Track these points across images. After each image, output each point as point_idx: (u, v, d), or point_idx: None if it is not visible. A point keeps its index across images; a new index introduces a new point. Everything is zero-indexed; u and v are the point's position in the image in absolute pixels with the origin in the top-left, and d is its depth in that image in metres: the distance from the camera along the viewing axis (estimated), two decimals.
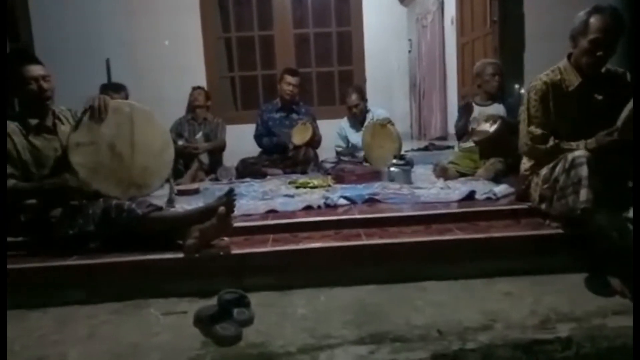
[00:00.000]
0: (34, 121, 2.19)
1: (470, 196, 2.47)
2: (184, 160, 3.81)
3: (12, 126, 2.13)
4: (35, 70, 2.13)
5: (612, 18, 1.96)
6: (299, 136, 3.92)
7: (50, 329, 1.72)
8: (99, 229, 2.03)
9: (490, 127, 3.04)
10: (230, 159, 4.17)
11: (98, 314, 1.81)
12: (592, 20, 1.98)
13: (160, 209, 2.13)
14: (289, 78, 4.09)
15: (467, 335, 1.55)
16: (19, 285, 1.91)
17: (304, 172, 3.78)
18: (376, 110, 4.04)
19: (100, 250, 2.03)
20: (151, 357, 1.49)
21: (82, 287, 1.92)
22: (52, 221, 2.09)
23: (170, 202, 2.58)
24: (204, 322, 1.64)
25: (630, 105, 1.93)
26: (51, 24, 3.86)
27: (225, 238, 2.07)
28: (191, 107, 4.28)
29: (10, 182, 2.05)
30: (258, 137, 4.19)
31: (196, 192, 3.18)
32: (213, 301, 1.72)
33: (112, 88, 3.55)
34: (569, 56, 2.15)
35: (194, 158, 3.90)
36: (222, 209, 1.94)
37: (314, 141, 3.96)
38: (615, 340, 1.52)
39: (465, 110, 3.32)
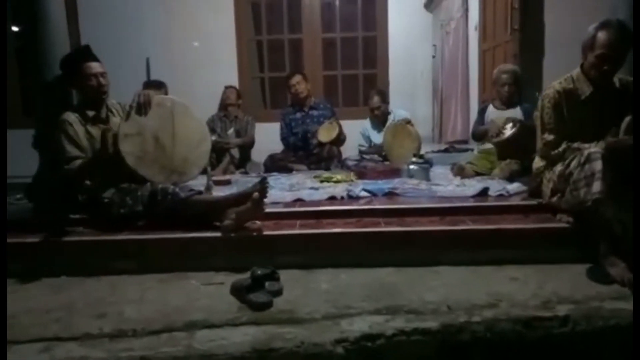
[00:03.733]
0: (91, 113, 2.46)
1: (483, 192, 2.64)
2: (216, 154, 4.05)
3: (73, 117, 2.40)
4: (96, 67, 2.40)
5: (618, 33, 2.08)
6: (325, 134, 4.14)
7: (106, 292, 1.97)
8: (147, 209, 2.29)
9: (509, 130, 3.20)
10: (259, 154, 4.41)
11: (146, 282, 2.06)
12: (599, 35, 2.11)
13: (200, 193, 2.37)
14: (290, 81, 4.36)
15: (474, 311, 1.72)
16: (77, 256, 2.18)
17: (327, 168, 3.99)
18: (397, 111, 4.23)
19: (147, 227, 2.28)
20: (195, 316, 1.71)
21: (131, 258, 2.16)
22: (105, 201, 2.35)
23: (208, 189, 2.82)
24: (239, 291, 1.86)
25: (630, 115, 2.08)
26: (97, 24, 4.17)
27: (257, 222, 2.30)
28: (223, 105, 4.54)
29: (77, 162, 2.32)
30: (285, 140, 4.43)
31: (228, 182, 3.43)
32: (246, 276, 1.94)
33: (154, 85, 3.81)
34: (582, 65, 2.29)
35: (226, 152, 4.16)
36: (256, 194, 2.17)
37: (339, 139, 4.17)
38: (609, 320, 1.67)
39: (482, 113, 3.48)
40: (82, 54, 2.46)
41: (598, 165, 1.94)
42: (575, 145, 2.18)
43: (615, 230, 1.94)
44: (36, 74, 2.51)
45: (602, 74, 2.19)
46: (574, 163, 2.07)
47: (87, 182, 2.39)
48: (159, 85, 3.82)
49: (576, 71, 2.30)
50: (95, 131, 2.47)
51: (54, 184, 2.44)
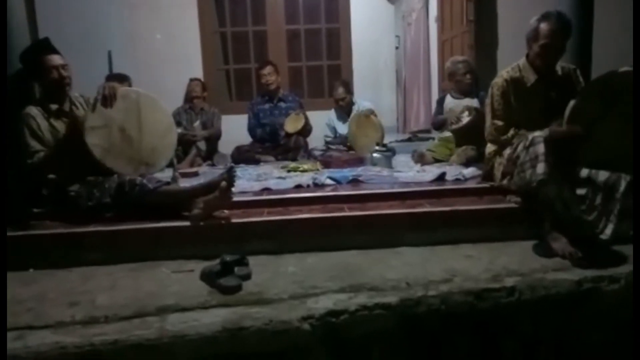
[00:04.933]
0: (54, 106, 2.46)
1: (441, 177, 2.79)
2: (182, 147, 4.06)
3: (35, 110, 2.40)
4: (56, 59, 2.39)
5: (558, 24, 2.26)
6: (291, 125, 4.22)
7: (77, 282, 2.00)
8: (114, 201, 2.31)
9: (465, 118, 3.36)
10: (225, 146, 4.44)
11: (116, 272, 2.09)
12: (541, 26, 2.28)
13: (168, 183, 2.41)
14: (262, 70, 4.42)
15: (430, 286, 1.84)
16: (46, 249, 2.20)
17: (294, 159, 4.07)
18: (361, 102, 4.35)
19: (116, 219, 2.31)
20: (167, 301, 1.77)
21: (101, 250, 2.18)
22: (72, 194, 2.36)
23: (174, 180, 2.85)
24: (209, 276, 1.92)
25: (573, 101, 2.25)
26: (56, 17, 4.07)
27: (226, 211, 2.36)
28: (189, 98, 4.54)
29: (41, 154, 2.32)
30: (252, 130, 4.48)
31: (195, 174, 3.46)
32: (216, 262, 2.01)
33: (117, 78, 3.78)
34: (527, 55, 2.46)
35: (192, 145, 4.18)
36: (223, 183, 2.23)
37: (305, 130, 4.26)
38: (551, 289, 1.84)
39: (441, 103, 3.64)
40: (42, 46, 2.44)
41: (541, 148, 2.10)
42: (522, 132, 2.35)
43: (558, 208, 2.11)
44: None
45: (546, 62, 2.37)
46: (520, 147, 2.23)
47: (51, 176, 2.39)
48: (122, 78, 3.80)
49: (522, 60, 2.47)
50: (59, 125, 2.46)
51: (17, 178, 2.43)
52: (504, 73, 2.46)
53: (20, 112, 2.37)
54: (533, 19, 2.33)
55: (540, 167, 2.08)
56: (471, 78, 3.56)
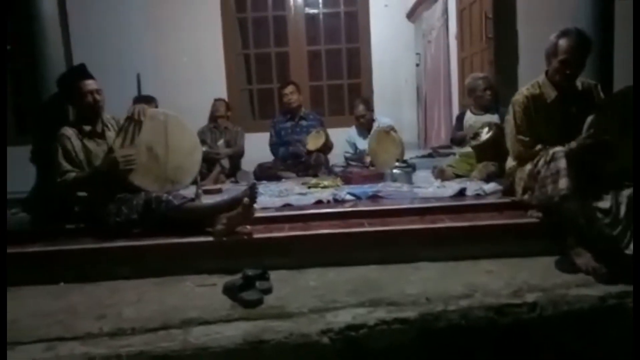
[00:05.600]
0: (87, 127, 2.58)
1: (461, 193, 2.79)
2: (206, 164, 4.15)
3: (70, 131, 2.52)
4: (91, 84, 2.52)
5: (578, 40, 2.27)
6: (312, 143, 4.30)
7: (105, 296, 2.08)
8: (142, 217, 2.40)
9: (485, 134, 3.36)
10: (248, 163, 4.53)
11: (142, 286, 2.16)
12: (561, 42, 2.29)
13: (192, 200, 2.49)
14: (284, 90, 4.52)
15: (450, 301, 1.85)
16: (76, 263, 2.29)
17: (315, 175, 4.12)
18: (381, 119, 4.39)
19: (143, 235, 2.39)
20: (191, 314, 1.82)
21: (128, 264, 2.26)
22: (101, 211, 2.46)
23: (197, 197, 2.93)
24: (231, 290, 1.98)
25: (592, 115, 2.24)
26: (88, 42, 4.29)
27: (248, 226, 2.41)
28: (213, 117, 4.67)
29: (71, 175, 2.43)
30: (273, 147, 4.57)
31: (219, 191, 3.54)
32: (238, 277, 2.06)
33: (144, 100, 3.92)
34: (547, 71, 2.46)
35: (216, 163, 4.28)
36: (246, 199, 2.29)
37: (326, 147, 4.32)
38: (574, 304, 1.82)
39: (460, 119, 3.65)
40: (78, 72, 2.57)
41: (562, 163, 2.10)
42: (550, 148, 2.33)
43: (581, 223, 2.09)
44: (33, 92, 2.63)
45: (565, 78, 2.37)
46: (541, 162, 2.23)
47: (82, 194, 2.49)
48: (149, 100, 3.94)
49: (541, 77, 2.47)
50: (91, 145, 2.58)
51: (51, 195, 2.55)
52: (523, 90, 2.47)
53: (56, 133, 2.50)
54: (552, 35, 2.34)
55: (563, 182, 2.07)
56: (491, 94, 3.57)
